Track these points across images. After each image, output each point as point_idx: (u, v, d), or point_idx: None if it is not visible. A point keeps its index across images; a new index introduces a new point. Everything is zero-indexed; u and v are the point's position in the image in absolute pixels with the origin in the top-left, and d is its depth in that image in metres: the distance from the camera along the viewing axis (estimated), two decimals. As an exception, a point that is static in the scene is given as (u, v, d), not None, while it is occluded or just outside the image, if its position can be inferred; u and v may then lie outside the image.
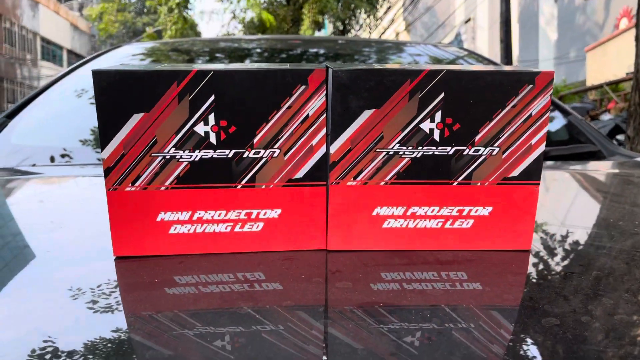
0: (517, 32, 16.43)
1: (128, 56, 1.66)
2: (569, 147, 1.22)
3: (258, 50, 1.72)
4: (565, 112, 1.40)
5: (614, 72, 9.62)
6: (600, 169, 1.09)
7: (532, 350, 0.37)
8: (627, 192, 0.89)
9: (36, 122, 1.30)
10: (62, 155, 1.12)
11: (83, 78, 1.45)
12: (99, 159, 1.07)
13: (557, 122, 1.41)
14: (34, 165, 1.08)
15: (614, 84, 6.67)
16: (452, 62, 1.69)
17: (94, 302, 0.44)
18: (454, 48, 1.88)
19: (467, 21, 18.99)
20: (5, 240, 0.61)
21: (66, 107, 1.35)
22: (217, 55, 1.69)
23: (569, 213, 0.76)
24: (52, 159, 1.10)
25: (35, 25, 25.63)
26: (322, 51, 1.71)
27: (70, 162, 1.10)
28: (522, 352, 0.37)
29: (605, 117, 5.24)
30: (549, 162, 1.13)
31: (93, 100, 1.29)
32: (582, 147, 1.22)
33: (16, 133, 1.24)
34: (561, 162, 1.15)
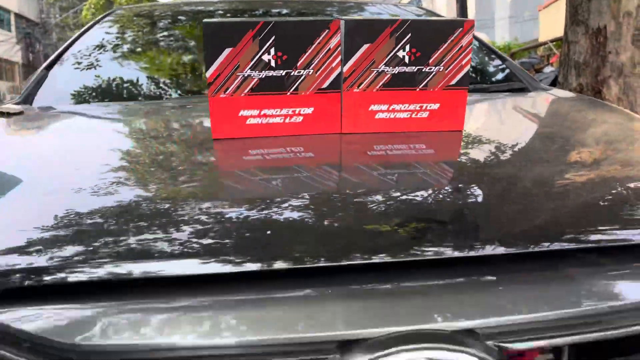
0: (475, -9, 16.81)
1: (120, 23, 1.89)
2: (501, 85, 1.59)
3: (220, 12, 1.94)
4: (502, 59, 1.77)
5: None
6: (521, 99, 1.47)
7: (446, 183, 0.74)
8: (532, 117, 1.27)
9: (70, 72, 1.58)
10: (100, 95, 1.42)
11: (95, 37, 1.71)
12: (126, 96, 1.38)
13: (496, 66, 1.78)
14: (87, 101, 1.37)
15: (559, 40, 7.18)
16: None
17: (203, 163, 0.79)
18: (414, 7, 2.22)
19: (426, -19, 19.20)
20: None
21: (91, 60, 1.64)
22: (179, 18, 1.90)
23: (487, 124, 1.14)
24: (89, 99, 1.40)
25: (-21, -12, 24.37)
26: (285, 11, 1.95)
27: (104, 101, 1.39)
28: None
29: (548, 69, 5.76)
30: (484, 94, 1.49)
31: (111, 55, 1.60)
32: (511, 84, 1.59)
33: (56, 80, 1.52)
34: (494, 94, 1.52)
